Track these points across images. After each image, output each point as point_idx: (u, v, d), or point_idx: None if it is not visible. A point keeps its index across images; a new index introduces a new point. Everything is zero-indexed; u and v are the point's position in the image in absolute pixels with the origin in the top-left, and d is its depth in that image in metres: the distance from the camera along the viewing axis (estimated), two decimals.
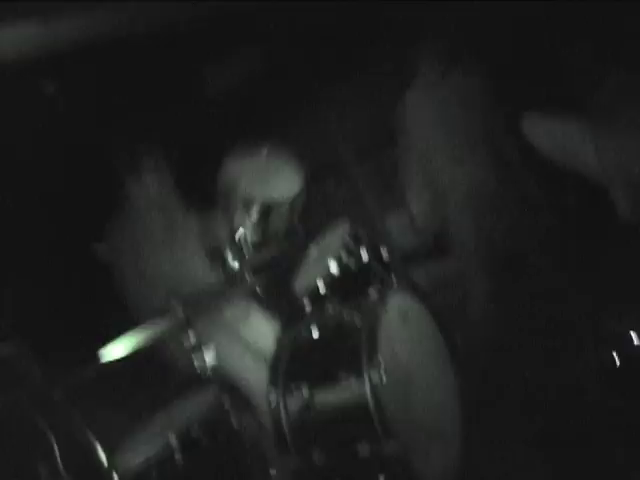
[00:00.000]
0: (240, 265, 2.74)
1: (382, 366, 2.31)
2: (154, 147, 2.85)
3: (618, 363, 2.52)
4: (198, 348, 2.35)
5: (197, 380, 2.41)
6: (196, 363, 2.35)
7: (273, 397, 2.48)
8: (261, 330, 2.88)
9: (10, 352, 2.36)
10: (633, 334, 2.55)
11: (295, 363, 2.57)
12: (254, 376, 2.68)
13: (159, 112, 3.05)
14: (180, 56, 3.00)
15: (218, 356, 2.45)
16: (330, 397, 2.41)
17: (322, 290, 2.69)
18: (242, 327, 2.87)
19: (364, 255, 2.75)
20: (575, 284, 2.84)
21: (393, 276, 2.76)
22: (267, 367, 2.57)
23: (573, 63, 2.70)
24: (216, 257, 2.82)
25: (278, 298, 2.89)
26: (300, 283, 2.83)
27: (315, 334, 2.60)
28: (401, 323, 2.57)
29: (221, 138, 3.00)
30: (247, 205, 2.79)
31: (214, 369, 2.38)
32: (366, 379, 2.31)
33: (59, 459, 2.26)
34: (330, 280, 2.72)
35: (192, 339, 2.34)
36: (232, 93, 3.19)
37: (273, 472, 2.47)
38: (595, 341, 2.65)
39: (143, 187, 2.79)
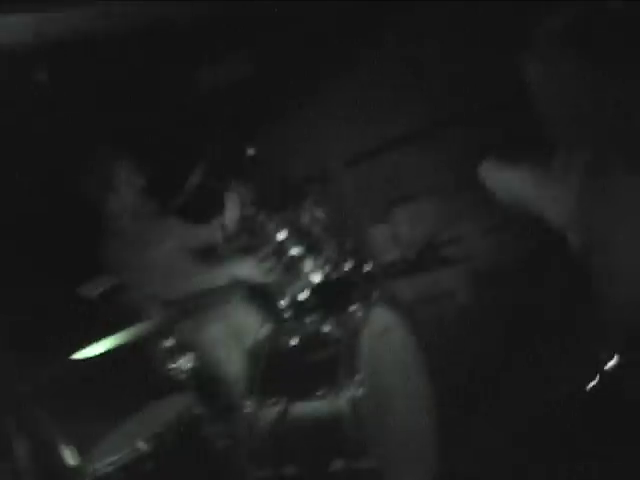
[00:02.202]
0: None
1: (360, 381, 2.29)
2: (134, 154, 2.83)
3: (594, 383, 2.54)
4: (177, 351, 2.32)
5: (173, 384, 2.37)
6: (173, 366, 2.32)
7: (248, 405, 2.45)
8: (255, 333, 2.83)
9: None
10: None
11: (272, 372, 2.54)
12: (230, 382, 2.65)
13: (145, 112, 3.02)
14: (172, 56, 2.97)
15: (208, 350, 2.40)
16: (306, 409, 2.39)
17: (303, 299, 2.67)
18: (240, 328, 2.83)
19: (347, 267, 2.73)
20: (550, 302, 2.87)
21: (375, 289, 2.75)
22: (243, 375, 2.54)
23: None
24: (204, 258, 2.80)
25: (258, 307, 2.86)
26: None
27: (294, 343, 2.58)
28: (381, 337, 2.55)
29: (207, 140, 2.97)
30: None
31: (192, 373, 2.35)
32: (343, 393, 2.29)
33: (23, 460, 2.19)
34: (312, 290, 2.70)
35: (172, 342, 2.31)
36: (221, 95, 3.16)
37: None
38: (570, 362, 2.67)
39: (121, 197, 2.77)
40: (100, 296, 2.67)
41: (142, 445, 2.27)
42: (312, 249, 2.71)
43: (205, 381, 2.53)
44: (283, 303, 2.67)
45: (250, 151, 2.87)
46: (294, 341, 2.58)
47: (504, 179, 2.57)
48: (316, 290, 2.68)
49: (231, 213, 2.91)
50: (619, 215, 2.23)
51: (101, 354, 2.23)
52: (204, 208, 2.92)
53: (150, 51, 2.87)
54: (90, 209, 2.79)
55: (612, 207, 2.24)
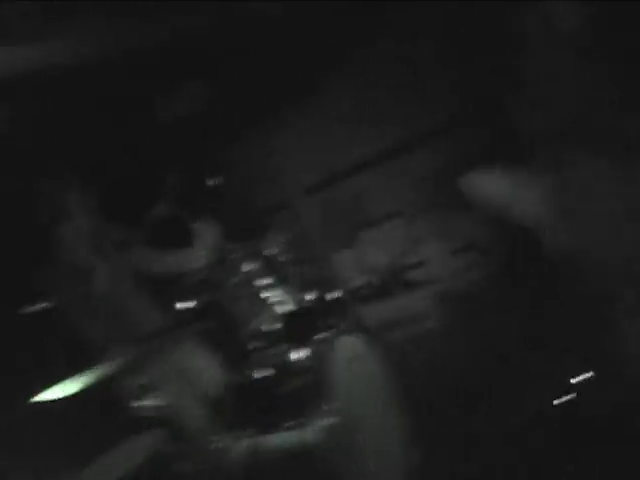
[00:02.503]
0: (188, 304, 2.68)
1: (330, 410, 2.29)
2: (88, 182, 2.78)
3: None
4: (145, 390, 2.30)
5: (141, 423, 2.34)
6: (141, 405, 2.30)
7: (216, 442, 2.43)
8: (206, 373, 2.80)
9: None
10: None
11: (240, 406, 2.52)
12: (197, 419, 2.61)
13: (105, 141, 2.97)
14: (130, 84, 2.94)
15: (162, 397, 2.38)
16: (276, 442, 2.37)
17: (269, 330, 2.66)
18: (187, 369, 2.79)
19: (313, 295, 2.73)
20: (519, 326, 2.89)
21: (343, 316, 2.74)
22: (210, 410, 2.51)
23: None
24: (161, 296, 2.75)
25: (224, 338, 2.82)
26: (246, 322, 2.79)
27: (261, 375, 2.57)
28: (350, 365, 2.55)
29: (169, 170, 2.94)
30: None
31: (160, 411, 2.33)
32: (313, 424, 2.29)
33: None
34: (278, 320, 2.70)
35: (139, 380, 2.29)
36: (182, 123, 3.14)
37: None
38: (538, 384, 2.70)
39: (75, 225, 2.71)
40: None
41: None
42: (277, 279, 2.71)
43: (172, 418, 2.49)
44: (248, 334, 2.66)
45: (214, 181, 2.86)
46: (261, 373, 2.56)
47: (484, 188, 2.65)
48: (282, 320, 2.68)
49: (203, 244, 2.87)
50: (596, 215, 2.28)
51: (65, 396, 2.20)
52: (171, 239, 2.87)
53: (108, 80, 2.84)
54: (40, 235, 2.71)
55: (588, 207, 2.30)
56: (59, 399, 2.20)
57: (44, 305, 2.59)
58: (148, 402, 2.31)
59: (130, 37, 2.78)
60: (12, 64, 2.54)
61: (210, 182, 2.87)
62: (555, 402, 2.64)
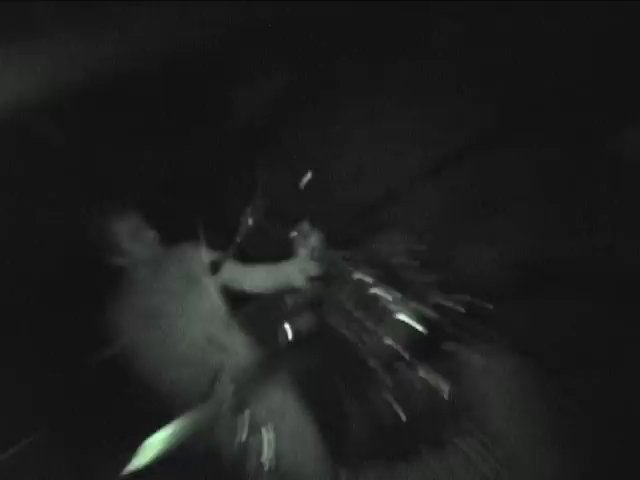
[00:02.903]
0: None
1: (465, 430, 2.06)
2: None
3: None
4: (253, 433, 1.99)
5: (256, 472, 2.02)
6: (252, 452, 1.99)
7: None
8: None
9: None
10: None
11: (366, 435, 2.23)
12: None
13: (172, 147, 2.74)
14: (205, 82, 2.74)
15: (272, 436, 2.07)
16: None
17: (390, 348, 2.27)
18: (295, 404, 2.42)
19: (436, 301, 2.32)
20: None
21: (474, 325, 2.32)
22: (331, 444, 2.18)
23: None
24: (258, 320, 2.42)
25: (340, 362, 2.45)
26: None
27: (387, 396, 2.21)
28: (487, 379, 2.18)
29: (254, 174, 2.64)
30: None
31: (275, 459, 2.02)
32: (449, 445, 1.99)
33: None
34: (396, 332, 2.30)
35: (246, 424, 1.99)
36: (252, 120, 2.88)
37: None
38: None
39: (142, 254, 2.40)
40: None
41: None
42: (395, 287, 2.31)
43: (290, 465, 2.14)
44: (366, 354, 2.28)
45: (306, 179, 2.49)
46: (386, 396, 2.22)
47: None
48: (404, 335, 2.28)
49: (303, 255, 2.46)
50: None
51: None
52: (265, 253, 2.53)
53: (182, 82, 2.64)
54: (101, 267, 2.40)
55: None
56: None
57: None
58: (262, 446, 2.00)
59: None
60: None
61: (301, 183, 2.49)
62: None
